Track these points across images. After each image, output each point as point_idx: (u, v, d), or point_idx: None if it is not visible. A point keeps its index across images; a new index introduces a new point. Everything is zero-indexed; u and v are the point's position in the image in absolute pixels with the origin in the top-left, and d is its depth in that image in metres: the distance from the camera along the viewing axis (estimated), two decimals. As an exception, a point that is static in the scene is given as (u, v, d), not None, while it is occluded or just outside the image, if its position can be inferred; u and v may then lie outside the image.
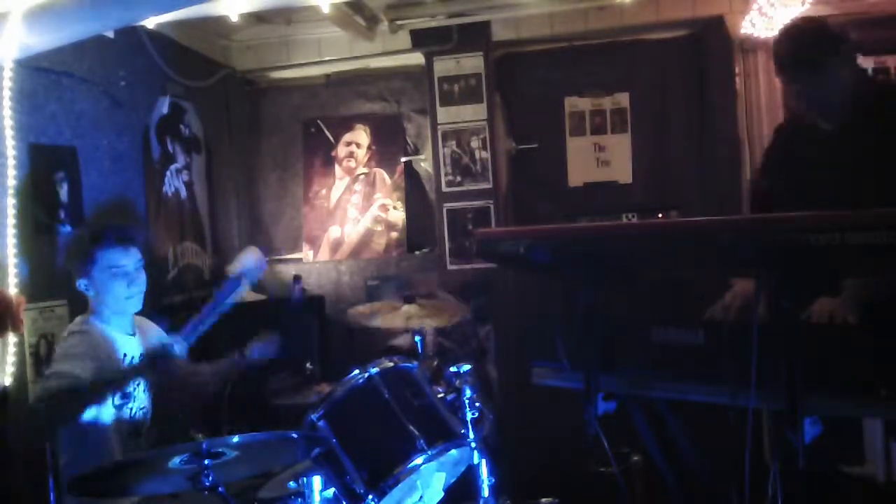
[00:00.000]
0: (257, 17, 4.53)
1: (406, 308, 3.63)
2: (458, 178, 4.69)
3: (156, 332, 3.06)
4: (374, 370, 2.53)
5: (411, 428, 2.44)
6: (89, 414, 2.57)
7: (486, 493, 2.66)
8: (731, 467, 2.02)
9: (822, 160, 2.57)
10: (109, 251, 2.77)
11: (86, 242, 2.80)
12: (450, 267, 4.71)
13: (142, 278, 2.85)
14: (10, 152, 2.95)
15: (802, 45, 2.50)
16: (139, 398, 2.83)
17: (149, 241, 3.42)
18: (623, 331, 2.26)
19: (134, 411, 2.80)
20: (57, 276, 3.14)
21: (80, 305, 3.13)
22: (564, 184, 4.83)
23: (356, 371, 2.54)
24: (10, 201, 2.94)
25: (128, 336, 2.86)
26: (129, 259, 2.81)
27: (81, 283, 2.78)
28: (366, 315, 3.65)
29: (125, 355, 2.81)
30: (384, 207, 4.94)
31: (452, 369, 2.74)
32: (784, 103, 4.36)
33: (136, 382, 2.83)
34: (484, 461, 2.66)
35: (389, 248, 4.93)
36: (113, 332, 2.81)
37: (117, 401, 2.73)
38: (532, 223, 4.31)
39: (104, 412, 2.66)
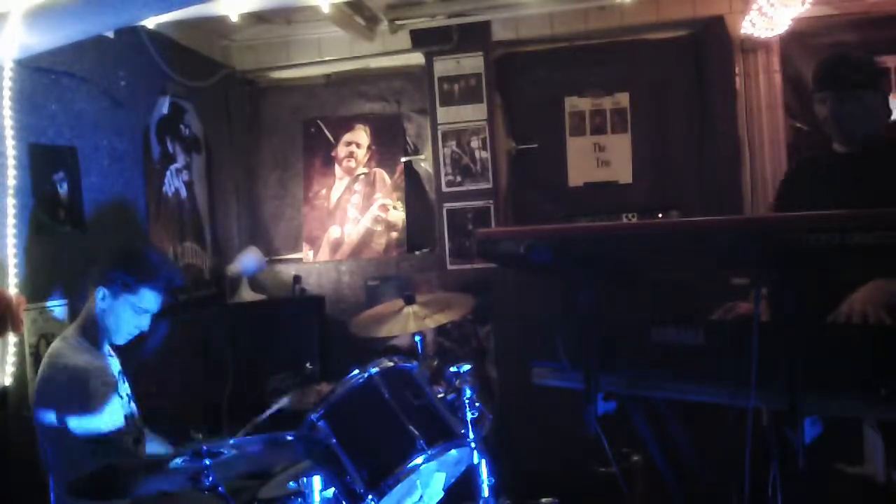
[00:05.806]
0: (257, 17, 4.53)
1: (408, 310, 3.59)
2: (458, 178, 4.69)
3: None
4: (374, 370, 2.53)
5: (411, 428, 2.44)
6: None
7: (486, 493, 2.66)
8: (731, 467, 2.02)
9: (833, 180, 2.66)
10: (152, 294, 2.71)
11: (144, 273, 2.69)
12: (450, 267, 4.71)
13: (148, 325, 2.78)
14: (10, 152, 2.95)
15: (850, 68, 2.64)
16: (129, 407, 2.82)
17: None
18: (623, 331, 2.26)
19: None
20: (57, 276, 3.14)
21: (82, 306, 3.13)
22: (564, 184, 4.82)
23: (356, 371, 2.54)
24: (10, 201, 2.94)
25: (108, 356, 2.81)
26: (158, 306, 2.76)
27: (101, 292, 2.67)
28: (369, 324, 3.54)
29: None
30: (384, 207, 4.94)
31: (452, 369, 2.74)
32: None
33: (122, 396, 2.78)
34: (484, 461, 2.66)
35: (389, 248, 4.93)
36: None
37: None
38: (532, 223, 4.31)
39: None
